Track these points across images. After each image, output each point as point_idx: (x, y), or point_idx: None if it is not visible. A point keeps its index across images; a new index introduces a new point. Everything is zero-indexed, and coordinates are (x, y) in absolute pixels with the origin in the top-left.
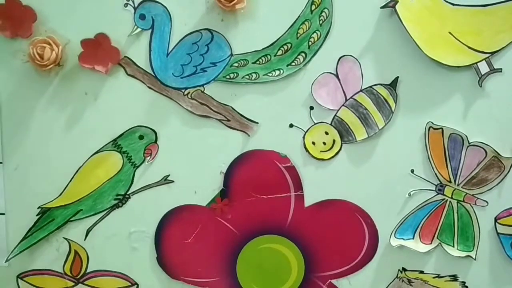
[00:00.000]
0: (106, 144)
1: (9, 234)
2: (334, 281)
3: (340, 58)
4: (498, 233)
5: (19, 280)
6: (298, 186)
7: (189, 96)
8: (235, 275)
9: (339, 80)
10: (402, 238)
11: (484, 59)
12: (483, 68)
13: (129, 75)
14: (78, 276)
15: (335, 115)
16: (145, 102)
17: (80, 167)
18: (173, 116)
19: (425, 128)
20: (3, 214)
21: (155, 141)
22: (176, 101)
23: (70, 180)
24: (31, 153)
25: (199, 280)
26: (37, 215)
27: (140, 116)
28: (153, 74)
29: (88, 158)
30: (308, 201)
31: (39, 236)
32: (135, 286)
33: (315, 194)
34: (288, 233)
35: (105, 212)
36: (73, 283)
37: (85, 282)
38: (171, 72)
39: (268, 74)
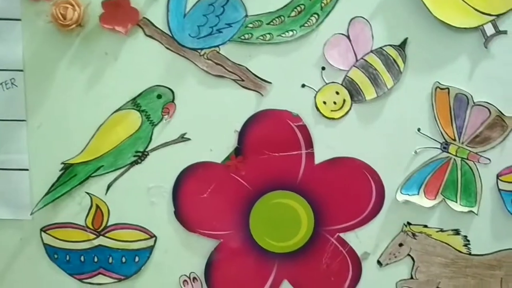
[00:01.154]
0: (126, 103)
1: (33, 189)
2: (342, 235)
3: (352, 19)
4: (499, 190)
5: (43, 233)
6: (309, 144)
7: (205, 56)
8: (248, 228)
9: (350, 41)
10: (408, 194)
11: (490, 21)
12: (489, 30)
13: (147, 35)
14: (100, 229)
15: (346, 75)
16: (162, 62)
17: (101, 125)
18: (190, 76)
19: (432, 88)
20: (27, 170)
21: (173, 100)
22: (193, 61)
23: (92, 137)
24: (54, 111)
25: (214, 232)
26: (60, 170)
27: (158, 76)
28: (170, 34)
29: (109, 116)
30: (318, 158)
31: (62, 190)
32: (154, 238)
33: (325, 152)
34: (299, 189)
35: (125, 168)
36: (94, 236)
37: (106, 235)
38: (188, 33)
39: (282, 35)
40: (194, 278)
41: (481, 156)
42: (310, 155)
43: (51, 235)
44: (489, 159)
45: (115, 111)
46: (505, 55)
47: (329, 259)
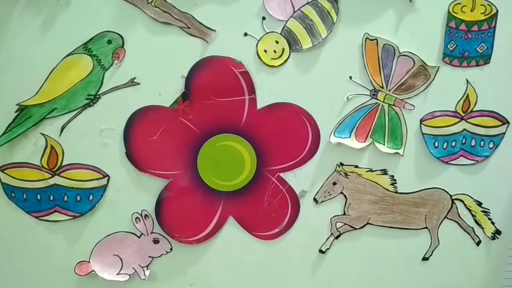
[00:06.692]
0: (77, 48)
1: None
2: (281, 174)
3: None
4: (423, 133)
5: (0, 172)
6: (252, 90)
7: (152, 4)
8: (196, 168)
9: None
10: (341, 137)
11: None
12: None
13: None
14: (55, 169)
15: (285, 26)
16: (113, 8)
17: (54, 68)
18: (138, 23)
19: (362, 39)
20: None
21: (122, 46)
22: (141, 9)
23: (45, 81)
24: (9, 54)
25: (164, 172)
26: (15, 111)
27: (108, 22)
28: None
29: (61, 60)
30: (260, 104)
31: (18, 131)
32: (107, 177)
33: (266, 98)
34: (242, 132)
35: (78, 110)
36: (50, 175)
37: (61, 174)
38: None
39: None
40: (146, 215)
41: (406, 102)
42: (253, 101)
43: (8, 175)
44: (413, 105)
45: (67, 55)
46: (428, 9)
47: (270, 197)
